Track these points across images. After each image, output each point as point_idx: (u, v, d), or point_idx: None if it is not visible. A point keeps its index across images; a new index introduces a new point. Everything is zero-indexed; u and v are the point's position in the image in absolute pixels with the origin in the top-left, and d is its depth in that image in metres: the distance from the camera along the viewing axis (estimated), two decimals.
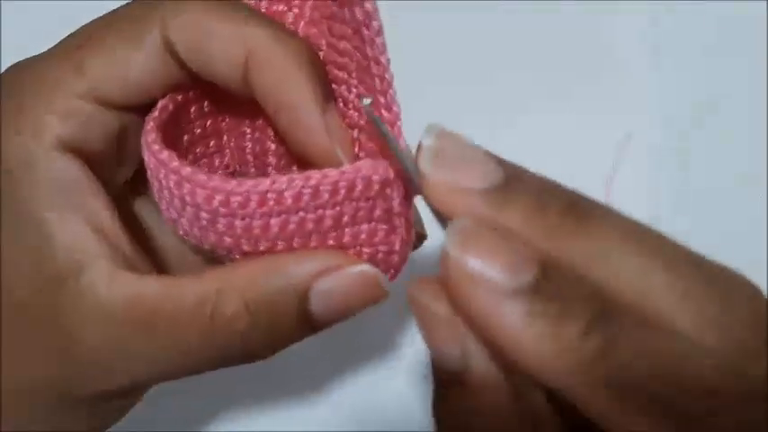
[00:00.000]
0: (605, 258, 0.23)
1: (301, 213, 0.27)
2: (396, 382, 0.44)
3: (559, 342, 0.21)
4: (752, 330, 0.22)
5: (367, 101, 0.27)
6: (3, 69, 0.31)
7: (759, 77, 0.47)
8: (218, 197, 0.27)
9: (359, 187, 0.27)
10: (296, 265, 0.28)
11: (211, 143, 0.35)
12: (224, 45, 0.29)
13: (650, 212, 0.45)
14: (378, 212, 0.28)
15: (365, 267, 0.28)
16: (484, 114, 0.48)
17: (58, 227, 0.28)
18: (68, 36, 0.31)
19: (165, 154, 0.28)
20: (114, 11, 0.31)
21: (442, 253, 0.22)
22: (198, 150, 0.34)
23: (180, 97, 0.31)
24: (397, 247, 0.29)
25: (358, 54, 0.30)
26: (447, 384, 0.24)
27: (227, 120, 0.34)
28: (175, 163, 0.28)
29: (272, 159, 0.35)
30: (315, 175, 0.27)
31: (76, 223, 0.29)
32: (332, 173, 0.27)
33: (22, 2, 0.28)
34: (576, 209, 0.24)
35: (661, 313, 0.22)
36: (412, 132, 0.50)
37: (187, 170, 0.28)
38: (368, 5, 0.27)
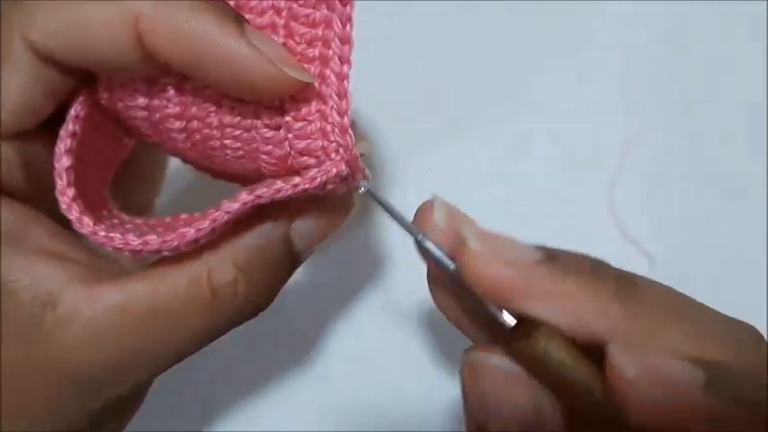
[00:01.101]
0: (658, 335, 0.23)
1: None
2: (393, 380, 0.44)
3: None
4: None
5: (363, 188, 0.28)
6: None
7: (759, 77, 0.47)
8: (167, 251, 0.28)
9: (305, 185, 0.27)
10: (270, 216, 0.29)
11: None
12: (107, 27, 0.25)
13: (651, 212, 0.45)
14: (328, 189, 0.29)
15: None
16: (483, 115, 0.48)
17: (13, 272, 0.28)
18: None
19: (90, 229, 0.28)
20: None
21: None
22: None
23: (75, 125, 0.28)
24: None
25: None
26: None
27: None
28: (119, 240, 0.28)
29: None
30: (262, 190, 0.27)
31: (28, 260, 0.28)
32: (277, 183, 0.27)
33: None
34: (623, 276, 0.25)
35: None
36: (413, 132, 0.50)
37: (134, 243, 0.27)
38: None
